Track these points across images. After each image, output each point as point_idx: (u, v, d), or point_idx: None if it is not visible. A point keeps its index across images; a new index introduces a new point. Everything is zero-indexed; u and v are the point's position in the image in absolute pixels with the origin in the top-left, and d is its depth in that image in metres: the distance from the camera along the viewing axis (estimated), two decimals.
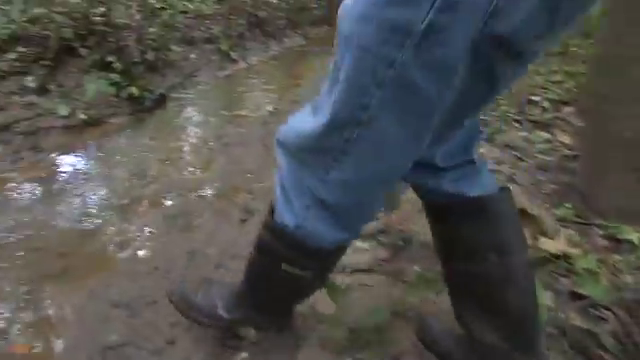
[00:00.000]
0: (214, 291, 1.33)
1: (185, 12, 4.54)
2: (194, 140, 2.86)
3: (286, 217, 1.01)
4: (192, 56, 4.15)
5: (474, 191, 1.03)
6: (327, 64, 0.91)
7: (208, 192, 2.29)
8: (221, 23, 4.69)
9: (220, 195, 2.28)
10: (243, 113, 3.32)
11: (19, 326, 1.51)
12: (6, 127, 2.59)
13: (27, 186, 2.26)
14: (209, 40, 4.43)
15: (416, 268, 1.63)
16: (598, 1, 0.83)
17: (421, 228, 1.70)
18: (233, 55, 4.40)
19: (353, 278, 1.62)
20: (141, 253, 1.84)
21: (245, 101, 3.62)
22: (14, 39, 3.05)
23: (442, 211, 1.09)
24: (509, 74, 0.85)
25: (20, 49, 3.01)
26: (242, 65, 4.40)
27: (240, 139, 2.86)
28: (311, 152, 0.92)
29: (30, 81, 2.89)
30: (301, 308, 1.39)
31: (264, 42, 5.00)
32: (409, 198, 1.81)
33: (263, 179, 2.39)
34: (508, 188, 1.08)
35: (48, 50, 3.09)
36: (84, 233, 1.94)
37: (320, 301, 1.49)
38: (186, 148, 2.76)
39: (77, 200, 2.16)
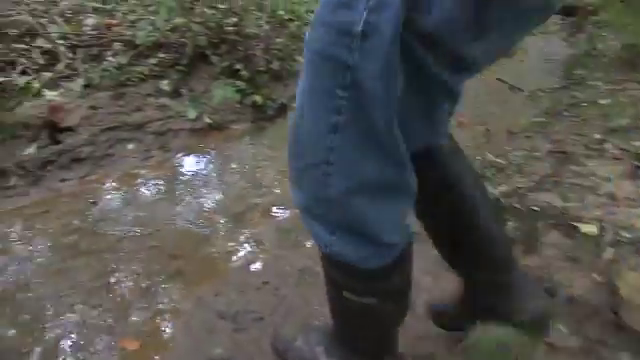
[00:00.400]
0: (313, 336, 1.28)
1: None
2: None
3: (318, 241, 0.98)
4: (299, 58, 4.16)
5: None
6: None
7: None
8: None
9: None
10: None
11: (130, 321, 1.52)
12: (140, 126, 2.74)
13: (153, 183, 2.36)
14: None
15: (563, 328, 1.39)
16: (543, 15, 0.85)
17: (566, 278, 1.46)
18: None
19: None
20: (252, 265, 1.81)
21: None
22: (157, 45, 3.25)
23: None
24: (454, 81, 0.86)
25: (160, 55, 3.20)
26: None
27: None
28: (305, 171, 0.90)
29: (165, 85, 3.06)
30: None
31: None
32: (553, 242, 1.58)
33: None
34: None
35: (183, 56, 3.26)
36: (198, 237, 1.96)
37: None
38: None
39: (195, 202, 2.20)
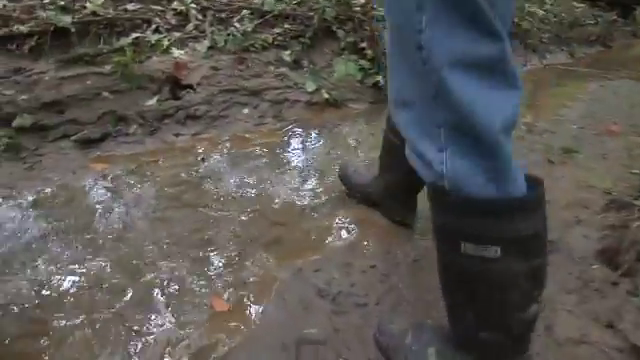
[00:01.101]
0: (425, 335, 1.12)
1: None
2: None
3: (425, 172, 0.90)
4: None
5: None
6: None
7: None
8: None
9: None
10: None
11: (223, 282, 1.40)
12: (257, 92, 2.67)
13: (262, 149, 2.25)
14: None
15: None
16: None
17: None
18: None
19: None
20: (358, 246, 1.60)
21: None
22: (283, 16, 3.18)
23: None
24: None
25: (285, 25, 3.12)
26: None
27: None
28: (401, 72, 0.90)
29: (286, 55, 2.97)
30: None
31: (523, 54, 4.45)
32: None
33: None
34: None
35: (309, 29, 3.15)
36: (302, 209, 1.80)
37: None
38: None
39: (301, 175, 2.05)
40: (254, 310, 1.32)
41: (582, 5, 6.01)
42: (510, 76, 0.82)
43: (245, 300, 1.34)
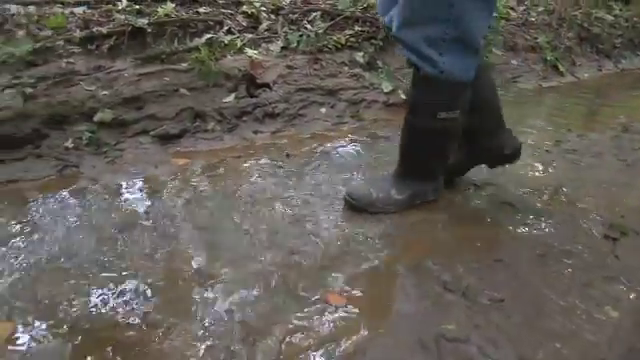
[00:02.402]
0: (382, 183, 1.60)
1: (507, 19, 4.14)
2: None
3: (429, 68, 1.38)
4: (513, 62, 3.71)
5: None
6: None
7: (559, 195, 1.77)
8: (548, 33, 4.13)
9: (569, 201, 1.73)
10: (584, 124, 2.70)
11: (333, 277, 1.25)
12: (333, 92, 2.57)
13: (348, 145, 2.13)
14: (532, 49, 3.92)
15: None
16: None
17: None
18: (560, 67, 3.79)
19: None
20: (475, 239, 1.44)
21: (577, 114, 2.97)
22: (353, 19, 3.10)
23: None
24: None
25: (357, 28, 3.04)
26: (569, 79, 3.75)
27: (585, 149, 2.26)
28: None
29: (359, 56, 2.87)
30: None
31: (596, 59, 4.23)
32: None
33: (625, 195, 1.76)
34: None
35: (379, 31, 3.05)
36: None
37: None
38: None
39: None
40: (374, 304, 1.17)
41: None
42: (492, 1, 1.35)
43: (361, 294, 1.19)
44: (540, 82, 3.59)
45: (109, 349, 1.00)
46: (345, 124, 2.42)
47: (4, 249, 1.31)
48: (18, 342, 1.01)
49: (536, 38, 4.05)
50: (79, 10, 2.74)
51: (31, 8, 2.69)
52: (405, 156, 1.59)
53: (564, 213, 1.63)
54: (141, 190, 1.70)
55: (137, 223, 1.48)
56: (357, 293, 1.19)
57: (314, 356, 1.00)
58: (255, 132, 2.23)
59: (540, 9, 4.53)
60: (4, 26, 2.50)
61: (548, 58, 3.83)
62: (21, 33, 2.45)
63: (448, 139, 1.53)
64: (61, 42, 2.39)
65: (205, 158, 1.96)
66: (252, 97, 2.38)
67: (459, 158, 1.71)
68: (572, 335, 1.08)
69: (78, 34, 2.46)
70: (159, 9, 2.72)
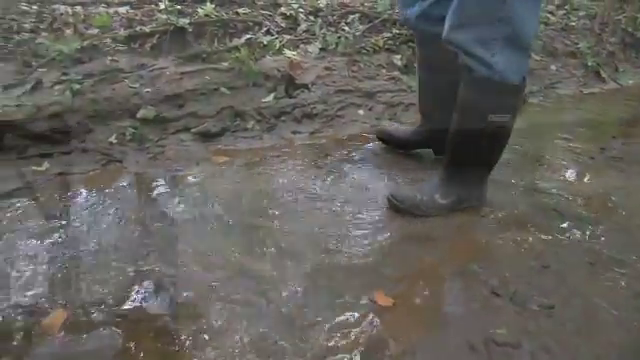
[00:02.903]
0: (427, 187, 1.60)
1: (546, 23, 4.06)
2: (565, 146, 2.31)
3: (482, 69, 1.38)
4: (552, 67, 3.63)
5: None
6: None
7: (606, 203, 1.72)
8: (589, 39, 4.03)
9: (617, 209, 1.68)
10: (629, 131, 2.62)
11: (380, 278, 1.24)
12: (371, 94, 2.56)
13: (384, 148, 2.11)
14: (573, 54, 3.83)
15: None
16: None
17: None
18: (602, 73, 3.69)
19: None
20: (523, 243, 1.41)
21: (621, 121, 2.89)
22: (391, 22, 3.09)
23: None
24: None
25: (394, 30, 3.03)
26: (612, 85, 3.65)
27: (631, 157, 2.19)
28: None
29: (397, 59, 2.86)
30: None
31: None
32: None
33: None
34: None
35: None
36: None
37: None
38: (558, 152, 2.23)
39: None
40: (421, 305, 1.15)
41: None
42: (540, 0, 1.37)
43: (408, 295, 1.18)
44: (581, 88, 3.50)
45: (156, 337, 1.01)
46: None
47: (53, 240, 1.35)
48: (71, 329, 1.03)
49: (577, 43, 3.96)
50: (123, 10, 2.81)
51: (78, 8, 2.77)
52: (451, 159, 1.57)
53: (613, 221, 1.58)
54: (182, 186, 1.72)
55: (178, 218, 1.49)
56: (403, 294, 1.17)
57: (361, 355, 0.99)
58: (294, 132, 2.23)
59: (581, 13, 4.43)
60: (53, 25, 2.58)
61: (589, 64, 3.74)
62: (69, 32, 2.52)
63: (497, 143, 1.51)
64: (106, 40, 2.45)
65: (245, 156, 1.98)
66: (291, 97, 2.38)
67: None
68: (634, 349, 1.04)
69: (122, 33, 2.52)
70: (199, 9, 2.76)
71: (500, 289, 1.20)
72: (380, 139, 2.10)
